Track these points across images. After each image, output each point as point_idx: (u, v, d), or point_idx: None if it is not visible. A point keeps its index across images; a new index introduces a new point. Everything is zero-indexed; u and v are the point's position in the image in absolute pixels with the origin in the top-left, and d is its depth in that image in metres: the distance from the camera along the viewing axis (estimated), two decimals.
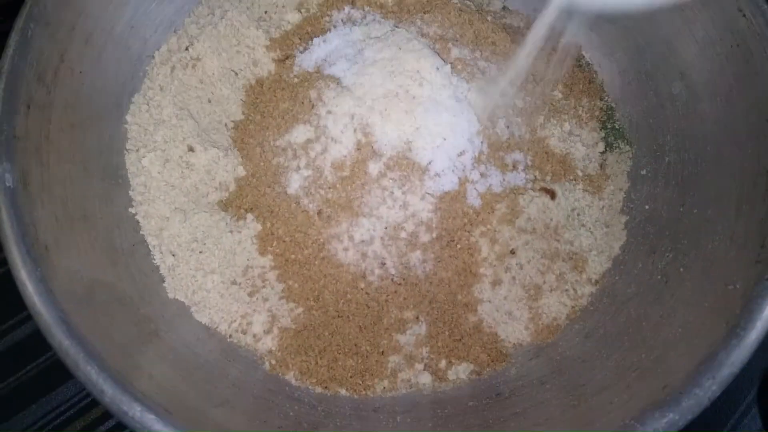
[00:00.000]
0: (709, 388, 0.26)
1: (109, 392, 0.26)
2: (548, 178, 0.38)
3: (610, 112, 0.43)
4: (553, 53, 0.43)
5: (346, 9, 0.41)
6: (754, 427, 0.42)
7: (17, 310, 0.40)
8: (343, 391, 0.35)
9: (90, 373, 0.26)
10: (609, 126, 0.43)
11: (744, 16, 0.35)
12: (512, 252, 0.36)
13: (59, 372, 0.38)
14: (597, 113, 0.43)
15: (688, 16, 0.38)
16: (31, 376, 0.39)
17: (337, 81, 0.36)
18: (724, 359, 0.27)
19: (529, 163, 0.38)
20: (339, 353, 0.35)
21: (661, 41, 0.40)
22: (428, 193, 0.35)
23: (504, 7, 0.46)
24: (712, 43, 0.37)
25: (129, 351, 0.30)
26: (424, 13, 0.41)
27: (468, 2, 0.43)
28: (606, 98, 0.44)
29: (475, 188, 0.36)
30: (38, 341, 0.38)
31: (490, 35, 0.41)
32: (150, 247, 0.36)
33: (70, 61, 0.35)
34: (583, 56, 0.45)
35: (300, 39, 0.40)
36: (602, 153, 0.42)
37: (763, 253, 0.30)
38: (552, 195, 0.37)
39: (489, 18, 0.43)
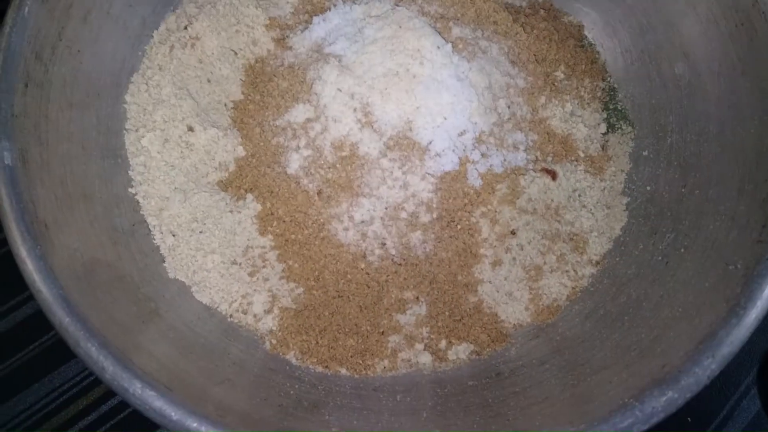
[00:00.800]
0: (708, 366, 0.27)
1: (109, 369, 0.26)
2: (549, 158, 0.38)
3: (612, 93, 0.43)
4: (555, 33, 0.43)
5: None
6: (753, 408, 0.42)
7: (19, 290, 0.40)
8: (343, 371, 0.35)
9: (90, 351, 0.26)
10: (611, 107, 0.42)
11: None
12: (513, 232, 0.36)
13: (61, 351, 0.38)
14: (599, 94, 0.42)
15: None
16: (33, 356, 0.39)
17: (338, 59, 0.36)
18: (724, 338, 0.27)
19: (531, 143, 0.38)
20: (339, 333, 0.35)
21: (663, 21, 0.40)
22: (428, 174, 0.35)
23: None
24: (716, 21, 0.37)
25: (129, 329, 0.30)
26: None
27: None
28: (608, 79, 0.43)
29: (475, 168, 0.36)
30: (40, 321, 0.38)
31: (492, 14, 0.41)
32: (150, 227, 0.36)
33: (68, 40, 0.34)
34: (586, 36, 0.44)
35: (299, 18, 0.40)
36: (604, 134, 0.42)
37: (764, 233, 0.30)
38: (553, 176, 0.37)
39: None
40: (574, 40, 0.43)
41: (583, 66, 0.43)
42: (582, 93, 0.42)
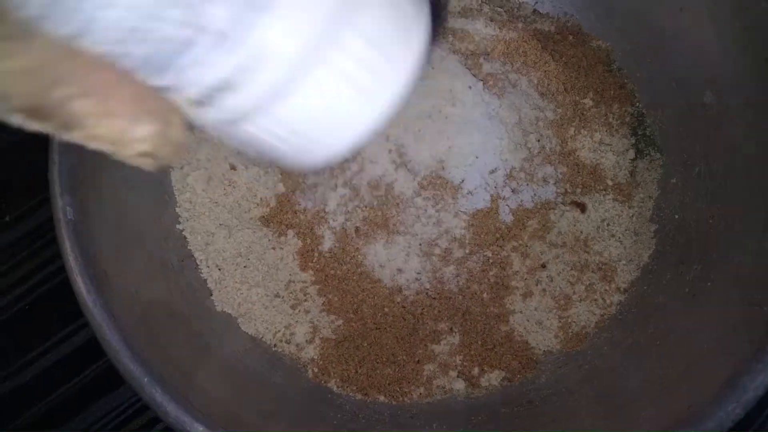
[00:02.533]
0: (733, 411, 0.28)
1: (172, 413, 0.28)
2: (578, 190, 0.39)
3: (640, 118, 0.43)
4: (583, 59, 0.43)
5: None
6: None
7: (71, 319, 0.42)
8: (381, 398, 0.37)
9: (154, 396, 0.29)
10: (640, 132, 0.43)
11: None
12: (543, 266, 0.37)
13: (111, 378, 0.41)
14: (628, 119, 0.43)
15: (721, 27, 0.38)
16: (85, 382, 0.41)
17: None
18: (749, 383, 0.28)
19: (560, 176, 0.39)
20: (377, 362, 0.37)
21: (692, 49, 0.40)
22: (461, 211, 0.36)
23: (534, 11, 0.46)
24: (745, 52, 0.37)
25: (185, 368, 0.32)
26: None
27: (499, 9, 0.44)
28: (637, 104, 0.44)
29: (507, 204, 0.37)
30: (92, 348, 0.41)
31: (521, 45, 0.42)
32: (197, 261, 0.38)
33: None
34: (614, 60, 0.45)
35: None
36: (632, 160, 0.42)
37: None
38: (582, 208, 0.38)
39: (519, 25, 0.43)
40: (602, 65, 0.44)
41: (612, 92, 0.43)
42: (610, 119, 0.43)
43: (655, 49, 0.43)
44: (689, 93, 0.41)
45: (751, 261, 0.33)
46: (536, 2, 0.46)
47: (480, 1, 0.42)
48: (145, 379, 0.29)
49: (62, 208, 0.31)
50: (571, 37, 0.44)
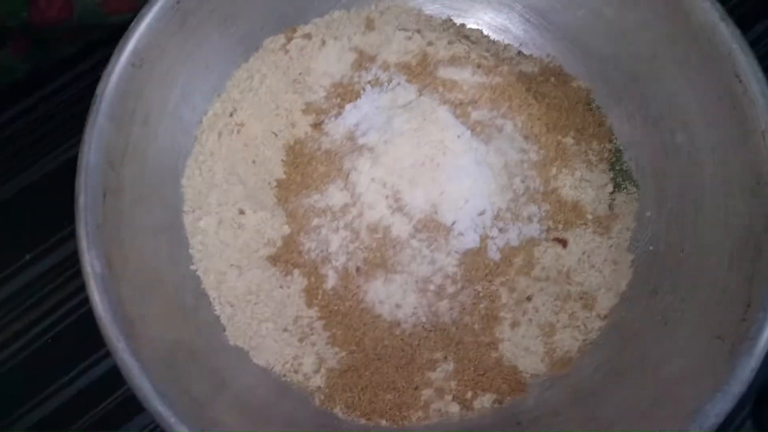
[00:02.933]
0: None
1: None
2: (560, 226, 0.43)
3: (618, 154, 0.47)
4: (565, 99, 0.47)
5: (373, 69, 0.45)
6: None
7: (94, 349, 0.45)
8: (383, 422, 0.40)
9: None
10: (617, 167, 0.46)
11: (740, 81, 0.38)
12: (528, 298, 0.41)
13: (132, 406, 0.44)
14: (606, 155, 0.46)
15: (690, 74, 0.41)
16: (107, 411, 0.44)
17: (370, 151, 0.40)
18: (710, 411, 0.32)
19: (544, 214, 0.42)
20: (379, 390, 0.40)
21: (666, 93, 0.44)
22: (453, 251, 0.40)
23: (519, 53, 0.49)
24: (712, 101, 0.40)
25: (205, 405, 0.35)
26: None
27: (485, 53, 0.47)
28: (615, 140, 0.47)
29: (494, 243, 0.40)
30: (114, 377, 0.44)
31: (507, 89, 0.45)
32: (211, 299, 0.41)
33: (133, 144, 0.39)
34: (593, 99, 0.48)
35: (332, 101, 0.44)
36: (611, 193, 0.46)
37: (749, 312, 0.34)
38: (564, 244, 0.42)
39: (505, 68, 0.46)
40: (582, 104, 0.47)
41: (591, 130, 0.47)
42: (590, 156, 0.46)
43: (630, 90, 0.46)
44: (663, 132, 0.44)
45: (717, 296, 0.37)
46: (521, 44, 0.49)
47: (467, 49, 0.45)
48: (173, 419, 0.32)
49: (90, 262, 0.34)
50: (553, 78, 0.48)
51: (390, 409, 0.40)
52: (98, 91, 0.37)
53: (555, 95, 0.46)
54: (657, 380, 0.37)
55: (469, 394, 0.41)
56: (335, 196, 0.41)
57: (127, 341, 0.33)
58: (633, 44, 0.45)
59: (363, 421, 0.40)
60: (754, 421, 0.46)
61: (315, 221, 0.41)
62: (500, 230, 0.41)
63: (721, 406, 0.32)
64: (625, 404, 0.37)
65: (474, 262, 0.40)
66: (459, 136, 0.40)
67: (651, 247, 0.43)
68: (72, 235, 0.47)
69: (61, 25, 0.45)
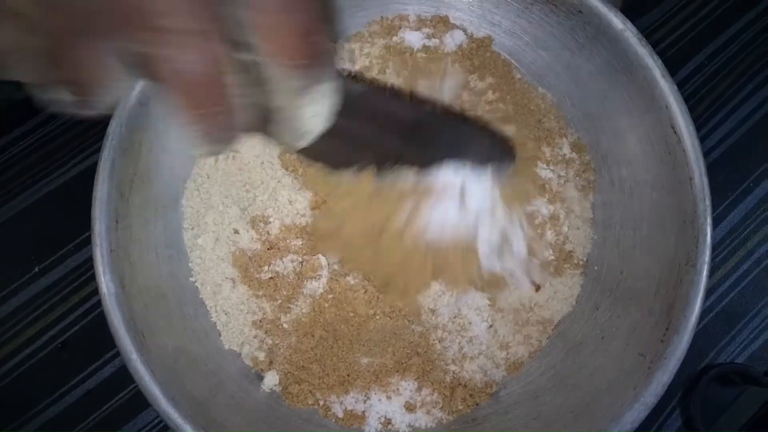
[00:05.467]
0: None
1: None
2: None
3: None
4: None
5: None
6: (675, 425, 0.54)
7: (102, 351, 0.51)
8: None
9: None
10: None
11: (675, 132, 0.44)
12: (490, 326, 0.47)
13: (138, 402, 0.49)
14: None
15: (634, 119, 0.47)
16: (114, 408, 0.50)
17: None
18: (628, 418, 0.38)
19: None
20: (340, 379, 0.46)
21: (614, 131, 0.49)
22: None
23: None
24: (651, 145, 0.46)
25: (206, 406, 0.41)
26: None
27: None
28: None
29: None
30: (121, 377, 0.49)
31: None
32: (208, 308, 0.47)
33: (140, 172, 0.44)
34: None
35: None
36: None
37: (667, 334, 0.40)
38: (537, 288, 0.48)
39: None
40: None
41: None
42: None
43: (585, 125, 0.51)
44: (611, 166, 0.50)
45: (644, 317, 0.43)
46: None
47: None
48: (179, 420, 0.38)
49: (106, 284, 0.39)
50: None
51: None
52: (110, 129, 0.41)
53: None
54: (590, 387, 0.43)
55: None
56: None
57: (139, 352, 0.39)
58: (587, 86, 0.50)
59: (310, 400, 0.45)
60: (682, 409, 0.53)
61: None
62: None
63: (636, 415, 0.38)
64: (563, 406, 0.44)
65: None
66: None
67: (596, 267, 0.50)
68: (77, 249, 0.53)
69: None
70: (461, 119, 0.47)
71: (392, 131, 0.38)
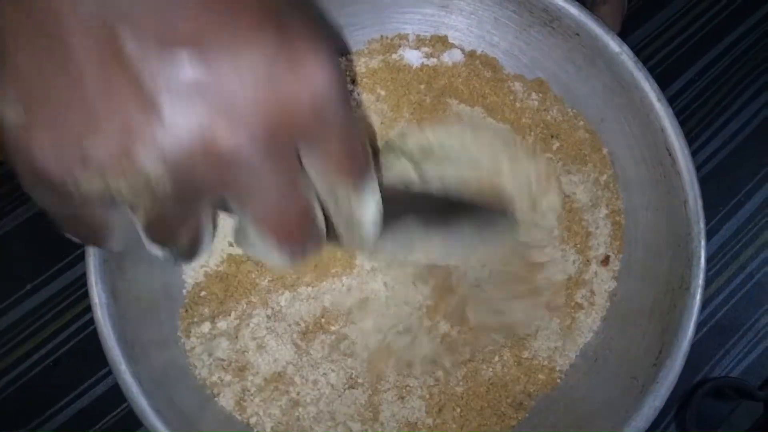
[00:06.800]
0: None
1: None
2: None
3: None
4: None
5: None
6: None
7: (96, 369, 0.51)
8: None
9: None
10: None
11: (670, 155, 0.44)
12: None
13: (130, 421, 0.48)
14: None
15: (630, 141, 0.47)
16: (106, 428, 0.49)
17: None
18: None
19: None
20: None
21: (610, 151, 0.49)
22: None
23: None
24: (647, 167, 0.46)
25: (194, 420, 0.41)
26: None
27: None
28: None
29: None
30: (110, 397, 0.49)
31: None
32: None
33: None
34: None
35: None
36: None
37: (659, 358, 0.40)
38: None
39: None
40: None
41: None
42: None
43: (584, 147, 0.52)
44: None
45: (638, 340, 0.43)
46: None
47: None
48: None
49: (98, 293, 0.39)
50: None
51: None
52: None
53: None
54: (583, 409, 0.43)
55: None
56: None
57: (128, 363, 0.38)
58: (585, 106, 0.50)
59: None
60: (677, 425, 0.52)
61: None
62: None
63: None
64: (556, 426, 0.43)
65: None
66: None
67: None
68: (69, 267, 0.53)
69: None
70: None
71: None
